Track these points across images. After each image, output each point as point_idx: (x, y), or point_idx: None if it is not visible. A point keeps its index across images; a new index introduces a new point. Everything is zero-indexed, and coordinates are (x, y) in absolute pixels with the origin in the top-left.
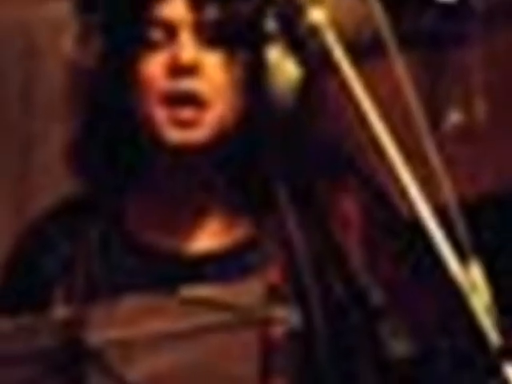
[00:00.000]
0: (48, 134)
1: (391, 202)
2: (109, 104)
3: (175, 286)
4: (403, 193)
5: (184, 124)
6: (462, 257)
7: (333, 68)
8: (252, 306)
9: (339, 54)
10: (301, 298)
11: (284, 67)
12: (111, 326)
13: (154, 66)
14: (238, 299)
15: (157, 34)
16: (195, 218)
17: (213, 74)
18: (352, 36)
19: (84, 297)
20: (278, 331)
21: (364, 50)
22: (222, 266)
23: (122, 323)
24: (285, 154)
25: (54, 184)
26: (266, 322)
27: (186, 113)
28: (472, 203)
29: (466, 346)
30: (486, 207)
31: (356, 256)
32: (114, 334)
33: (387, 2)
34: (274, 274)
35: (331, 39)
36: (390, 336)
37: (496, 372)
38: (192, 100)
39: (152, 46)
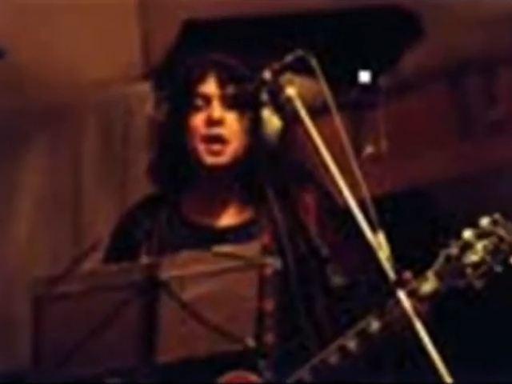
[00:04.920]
0: (138, 160)
1: (333, 197)
2: (172, 142)
3: (210, 245)
4: (339, 192)
5: (214, 153)
6: (373, 229)
7: (300, 121)
8: (254, 257)
9: (303, 113)
10: (281, 252)
11: (272, 121)
12: (173, 268)
13: (198, 120)
14: (246, 253)
15: (199, 102)
16: (221, 207)
17: (231, 124)
18: (310, 103)
19: (158, 252)
20: (268, 271)
21: (317, 111)
22: (237, 234)
23: (179, 266)
24: (272, 170)
25: (142, 189)
26: (262, 266)
27: (216, 147)
28: (378, 198)
29: (376, 279)
30: (387, 200)
31: (313, 228)
32: (175, 272)
33: (330, 83)
34: (266, 239)
35: (299, 105)
36: (331, 273)
37: (393, 295)
38: (219, 140)
39: (196, 109)
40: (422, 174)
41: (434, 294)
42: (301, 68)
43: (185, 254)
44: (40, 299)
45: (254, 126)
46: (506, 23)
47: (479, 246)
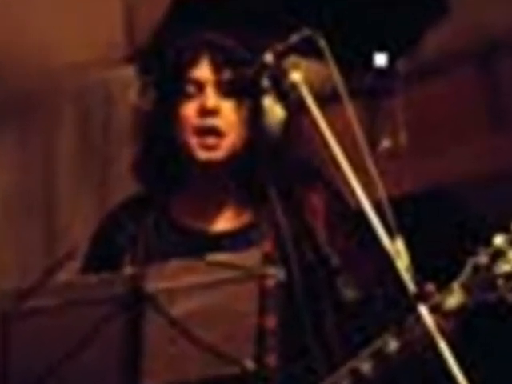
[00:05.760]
0: (120, 155)
1: (344, 198)
2: (159, 135)
3: (203, 253)
4: (352, 192)
5: (208, 148)
6: (391, 234)
7: (306, 111)
8: (253, 267)
9: (310, 101)
10: (285, 261)
11: (274, 110)
12: (161, 279)
13: (189, 110)
14: (244, 262)
15: (191, 89)
16: (216, 209)
17: (228, 114)
18: (318, 89)
19: (143, 260)
20: (270, 283)
21: (326, 99)
22: (234, 240)
23: (168, 277)
24: (274, 167)
25: (124, 188)
26: (263, 277)
27: (210, 140)
28: (396, 200)
29: (394, 293)
30: (406, 202)
31: (321, 234)
32: (163, 284)
33: (341, 67)
34: (267, 246)
35: (305, 92)
36: (343, 286)
37: (413, 310)
38: (214, 132)
39: (187, 97)
40: (447, 172)
41: (461, 309)
42: (307, 50)
43: (174, 264)
44: (8, 315)
45: (254, 116)
46: None
47: None
